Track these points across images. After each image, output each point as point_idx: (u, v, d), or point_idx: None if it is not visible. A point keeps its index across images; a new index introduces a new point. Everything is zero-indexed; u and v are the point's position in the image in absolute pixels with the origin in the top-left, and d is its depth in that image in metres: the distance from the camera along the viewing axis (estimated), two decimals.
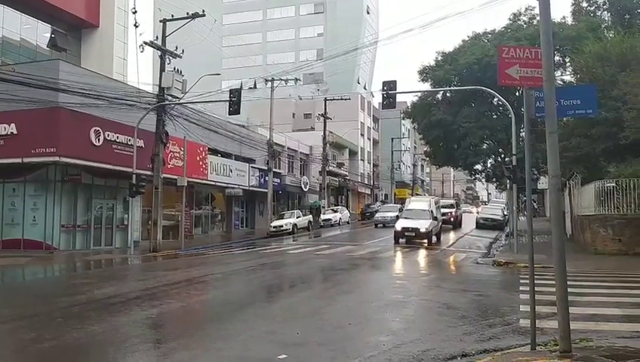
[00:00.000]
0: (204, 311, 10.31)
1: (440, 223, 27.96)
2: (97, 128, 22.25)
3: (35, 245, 21.70)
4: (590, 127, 20.46)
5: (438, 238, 26.51)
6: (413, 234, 24.18)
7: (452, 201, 45.01)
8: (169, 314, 9.74)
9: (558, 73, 31.76)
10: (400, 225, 25.04)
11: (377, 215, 40.18)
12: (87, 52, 33.46)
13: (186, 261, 19.55)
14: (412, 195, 76.67)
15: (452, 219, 36.04)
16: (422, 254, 21.11)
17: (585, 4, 33.74)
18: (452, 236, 30.69)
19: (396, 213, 34.91)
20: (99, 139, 22.35)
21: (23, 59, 28.00)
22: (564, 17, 35.21)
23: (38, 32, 31.26)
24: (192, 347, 7.09)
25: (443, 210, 34.06)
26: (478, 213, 58.91)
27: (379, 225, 37.03)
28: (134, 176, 21.67)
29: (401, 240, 24.47)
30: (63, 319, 8.87)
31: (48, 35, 31.51)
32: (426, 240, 24.37)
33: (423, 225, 24.35)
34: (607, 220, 18.93)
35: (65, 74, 20.89)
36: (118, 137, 23.22)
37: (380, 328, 8.34)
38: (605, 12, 32.74)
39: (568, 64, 32.77)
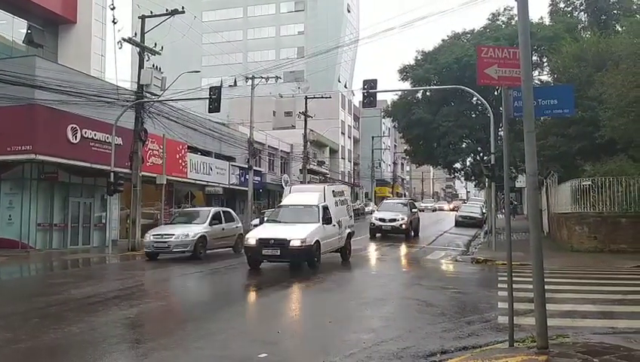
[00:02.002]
0: (184, 311, 10.23)
1: (349, 230, 17.92)
2: (74, 125, 21.93)
3: (11, 244, 21.30)
4: (567, 127, 20.81)
5: (344, 255, 17.30)
6: (278, 251, 14.37)
7: (404, 201, 32.80)
8: (148, 313, 9.65)
9: (535, 73, 32.25)
10: (256, 235, 15.21)
11: (149, 234, 18.82)
12: (64, 48, 32.89)
13: (165, 259, 19.37)
14: (392, 194, 76.93)
15: (404, 227, 26.39)
16: (402, 251, 21.23)
17: (562, 5, 34.31)
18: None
19: (205, 225, 18.75)
20: (76, 137, 22.04)
21: None
22: (541, 18, 35.79)
23: (14, 28, 30.68)
24: (171, 346, 7.04)
25: (391, 215, 26.91)
26: (453, 209, 58.82)
27: (159, 256, 18.21)
28: (112, 174, 21.39)
29: (263, 263, 15.27)
30: (39, 319, 8.74)
31: (24, 30, 30.95)
32: (306, 261, 14.82)
33: (300, 233, 14.55)
34: (583, 218, 19.24)
35: (41, 70, 20.52)
36: (95, 135, 22.91)
37: (360, 326, 8.38)
38: (582, 13, 33.34)
39: (546, 64, 33.28)
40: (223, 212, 20.86)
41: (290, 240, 14.34)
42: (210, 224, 19.03)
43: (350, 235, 18.08)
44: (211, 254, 18.90)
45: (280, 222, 15.91)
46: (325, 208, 16.24)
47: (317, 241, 14.86)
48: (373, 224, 26.99)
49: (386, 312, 9.50)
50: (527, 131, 6.07)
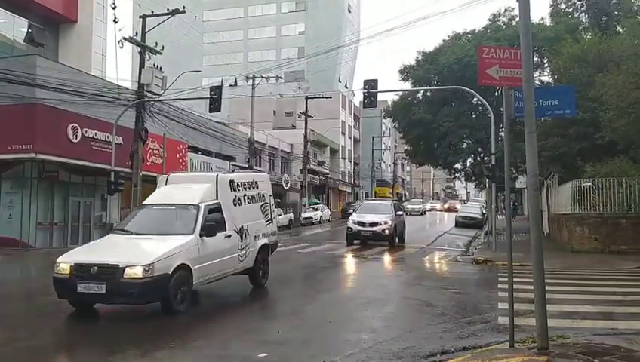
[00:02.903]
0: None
1: (264, 240, 12.14)
2: (75, 125, 21.93)
3: (11, 243, 21.30)
4: (567, 127, 20.80)
5: (256, 279, 11.63)
6: (103, 287, 8.26)
7: (388, 201, 27.91)
8: (148, 313, 9.63)
9: (536, 74, 32.22)
10: (73, 258, 8.89)
11: None
12: (65, 47, 32.95)
13: None
14: (392, 194, 76.79)
15: (387, 232, 22.18)
16: (401, 253, 21.19)
17: (563, 6, 34.30)
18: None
19: None
20: (77, 136, 22.04)
21: None
22: (542, 18, 35.80)
23: (14, 27, 30.72)
24: (171, 346, 7.03)
25: (372, 218, 22.64)
26: (448, 209, 58.24)
27: None
28: (113, 173, 21.43)
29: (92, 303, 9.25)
30: (38, 319, 8.73)
31: (25, 29, 30.97)
32: (158, 302, 8.88)
33: (147, 255, 8.64)
34: (584, 219, 19.21)
35: (42, 69, 20.54)
36: (96, 134, 22.92)
37: (361, 326, 8.37)
38: (583, 14, 33.33)
39: (546, 65, 33.29)
40: None
41: (124, 268, 8.32)
42: None
43: (267, 248, 12.32)
44: None
45: (130, 232, 9.98)
46: (213, 209, 10.35)
47: (182, 267, 8.92)
48: (351, 229, 22.80)
49: (387, 312, 9.50)
50: (527, 132, 6.07)
